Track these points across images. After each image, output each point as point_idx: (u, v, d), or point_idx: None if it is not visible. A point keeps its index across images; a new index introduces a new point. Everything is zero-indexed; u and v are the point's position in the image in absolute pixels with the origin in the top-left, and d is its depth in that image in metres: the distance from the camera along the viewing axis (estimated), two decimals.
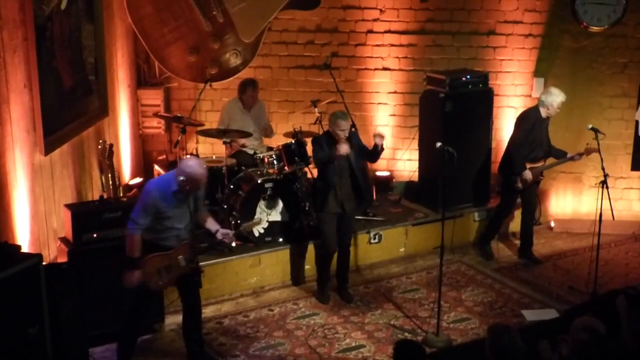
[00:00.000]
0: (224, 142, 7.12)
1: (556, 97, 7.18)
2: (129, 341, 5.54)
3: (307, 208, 7.12)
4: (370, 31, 8.44)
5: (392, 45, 8.46)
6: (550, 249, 7.99)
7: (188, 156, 7.27)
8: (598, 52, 8.20)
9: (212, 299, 6.65)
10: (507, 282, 7.16)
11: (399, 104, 8.60)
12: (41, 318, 4.70)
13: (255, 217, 6.89)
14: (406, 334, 6.18)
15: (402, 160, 8.67)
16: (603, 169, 6.72)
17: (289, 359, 5.82)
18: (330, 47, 8.41)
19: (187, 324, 5.65)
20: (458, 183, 7.48)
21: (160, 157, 8.59)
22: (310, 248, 7.08)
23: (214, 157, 7.70)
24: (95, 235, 5.70)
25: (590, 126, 7.01)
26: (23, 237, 5.52)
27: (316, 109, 7.68)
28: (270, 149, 7.43)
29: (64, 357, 5.03)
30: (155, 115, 8.06)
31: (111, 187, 6.36)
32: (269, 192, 6.93)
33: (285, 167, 6.99)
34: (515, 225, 7.99)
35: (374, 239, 7.47)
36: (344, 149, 6.23)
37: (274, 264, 6.99)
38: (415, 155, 8.31)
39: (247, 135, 7.35)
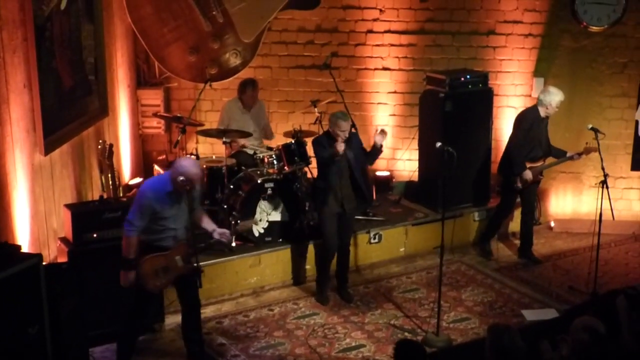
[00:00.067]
0: (224, 142, 7.12)
1: (554, 96, 7.18)
2: (129, 341, 5.54)
3: (307, 208, 7.12)
4: (370, 31, 8.44)
5: (392, 45, 8.46)
6: (550, 248, 8.00)
7: (189, 156, 7.29)
8: (598, 52, 8.20)
9: (212, 298, 6.65)
10: (507, 282, 7.16)
11: (398, 103, 8.60)
12: (41, 318, 4.70)
13: (256, 216, 6.90)
14: (406, 333, 6.18)
15: (402, 160, 8.67)
16: (603, 168, 6.72)
17: (289, 358, 5.82)
18: (330, 47, 8.41)
19: (186, 325, 5.65)
20: (458, 183, 7.48)
21: (160, 157, 8.59)
22: (311, 248, 7.08)
23: (213, 157, 7.70)
24: (95, 235, 5.70)
25: (590, 126, 7.01)
26: (23, 237, 5.52)
27: (316, 109, 7.68)
28: (270, 149, 7.44)
29: (64, 357, 5.03)
30: (155, 115, 8.06)
31: (111, 187, 6.36)
32: (269, 192, 6.93)
33: (285, 167, 6.99)
34: (515, 225, 7.99)
35: (374, 238, 7.47)
36: (340, 147, 6.23)
37: (274, 263, 6.99)
38: (415, 155, 8.31)
39: (247, 135, 7.35)
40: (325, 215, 6.50)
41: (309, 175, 7.51)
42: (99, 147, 6.66)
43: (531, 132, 7.24)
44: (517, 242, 7.83)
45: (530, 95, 8.35)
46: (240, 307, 6.65)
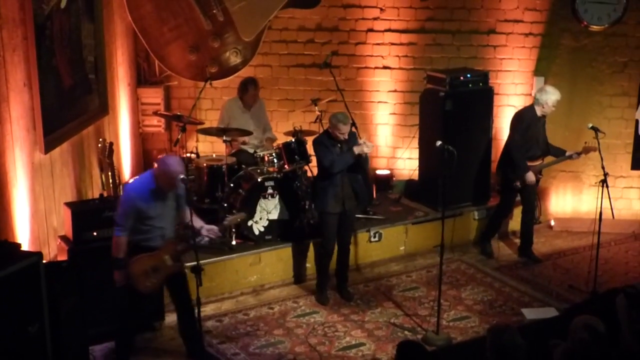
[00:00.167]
0: (224, 141, 7.12)
1: (551, 95, 7.18)
2: (126, 340, 5.55)
3: (307, 206, 7.12)
4: (371, 30, 8.44)
5: (393, 44, 8.46)
6: (550, 247, 8.00)
7: (190, 154, 7.30)
8: (598, 51, 8.19)
9: (213, 297, 6.66)
10: (507, 280, 7.16)
11: (399, 102, 8.60)
12: (41, 316, 4.70)
13: (256, 215, 6.90)
14: (406, 332, 6.18)
15: (402, 159, 8.68)
16: (603, 167, 6.71)
17: (289, 357, 5.82)
18: (331, 45, 8.41)
19: (182, 323, 5.66)
20: (458, 182, 7.48)
21: (160, 156, 8.58)
22: (311, 247, 7.08)
23: (214, 155, 7.70)
24: (95, 234, 5.71)
25: (590, 125, 7.01)
26: (23, 236, 5.52)
27: (316, 108, 7.67)
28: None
29: (64, 356, 5.03)
30: (155, 113, 8.06)
31: (111, 185, 6.38)
32: (269, 191, 6.93)
33: (286, 166, 7.00)
34: (515, 224, 7.99)
35: (374, 237, 7.48)
36: (358, 150, 6.28)
37: (274, 262, 7.00)
38: (416, 153, 8.32)
39: (247, 133, 7.35)
40: (326, 215, 6.50)
41: (309, 174, 7.51)
42: (99, 145, 6.67)
43: (529, 132, 7.23)
44: (517, 240, 7.83)
45: (530, 94, 8.34)
46: (240, 305, 6.65)
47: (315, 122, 7.68)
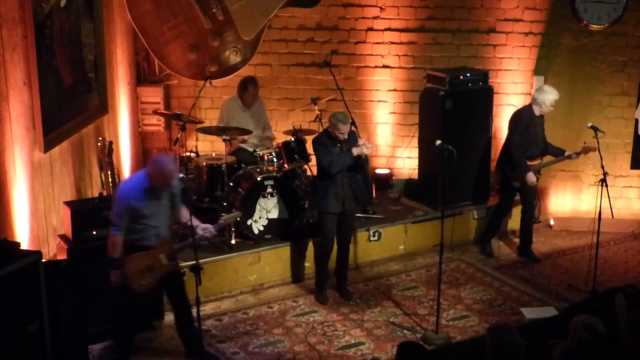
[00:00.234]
0: (224, 140, 7.12)
1: (549, 95, 7.18)
2: (125, 340, 5.54)
3: (306, 205, 7.12)
4: (370, 29, 8.44)
5: (392, 43, 8.46)
6: (550, 247, 8.00)
7: (190, 153, 7.30)
8: (598, 51, 8.19)
9: (212, 296, 6.66)
10: (506, 280, 7.17)
11: (398, 101, 8.60)
12: (41, 315, 4.70)
13: (255, 214, 6.90)
14: (405, 331, 6.18)
15: (401, 158, 8.68)
16: (602, 167, 6.72)
17: (288, 356, 5.82)
18: (330, 44, 8.40)
19: (180, 323, 5.67)
20: (457, 181, 7.48)
21: (154, 155, 8.58)
22: (310, 246, 7.08)
23: (213, 154, 7.70)
24: (94, 233, 5.70)
25: (590, 124, 7.01)
26: (22, 235, 5.52)
27: (316, 107, 7.67)
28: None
29: (64, 355, 5.03)
30: (155, 112, 8.06)
31: (111, 184, 6.37)
32: (268, 190, 6.93)
33: (285, 165, 7.00)
34: (514, 223, 7.99)
35: (374, 236, 7.48)
36: (355, 151, 6.27)
37: (273, 261, 7.00)
38: (415, 153, 8.32)
39: (247, 132, 7.35)
40: (325, 215, 6.50)
41: (308, 173, 7.51)
42: (99, 144, 6.66)
43: (527, 131, 7.23)
44: (517, 240, 7.83)
45: (530, 94, 8.33)
46: (240, 304, 6.65)
47: (314, 121, 7.68)
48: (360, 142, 6.40)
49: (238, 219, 6.46)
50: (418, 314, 6.47)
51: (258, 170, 7.03)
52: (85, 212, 5.74)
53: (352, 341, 6.05)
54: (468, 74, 7.86)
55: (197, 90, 7.96)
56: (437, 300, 6.13)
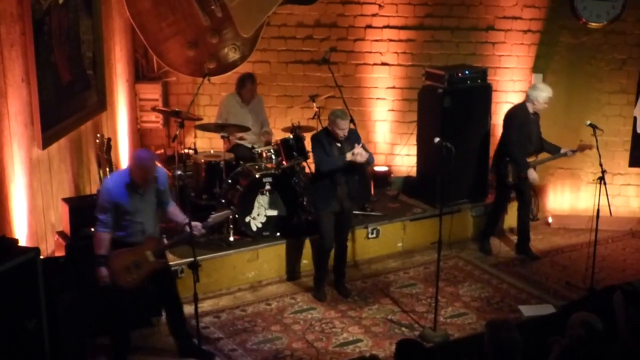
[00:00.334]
0: (222, 137, 7.12)
1: (541, 92, 7.18)
2: (121, 336, 5.51)
3: (305, 203, 7.12)
4: (369, 26, 8.44)
5: (391, 40, 8.46)
6: (548, 244, 8.01)
7: (188, 150, 7.27)
8: (597, 49, 8.19)
9: (210, 293, 6.66)
10: (504, 277, 7.17)
11: (397, 99, 8.60)
12: (39, 312, 4.70)
13: (254, 211, 6.90)
14: (403, 328, 6.19)
15: (400, 156, 8.68)
16: (601, 165, 6.72)
17: (287, 353, 5.83)
18: (329, 42, 8.40)
19: (171, 321, 5.66)
20: (456, 178, 7.46)
21: (159, 152, 8.59)
22: (308, 243, 7.08)
23: (212, 151, 7.70)
24: (92, 230, 5.69)
25: (588, 122, 7.01)
26: (21, 231, 5.52)
27: (314, 104, 7.67)
28: (268, 143, 7.44)
29: (62, 351, 5.04)
30: (154, 109, 8.05)
31: None
32: (267, 187, 6.93)
33: (284, 162, 7.00)
34: (512, 220, 7.99)
35: (372, 234, 7.48)
36: (349, 157, 6.25)
37: (271, 258, 7.00)
38: (414, 150, 8.32)
39: (245, 129, 7.35)
40: (323, 213, 6.50)
41: (307, 170, 7.51)
42: (97, 141, 6.65)
43: (522, 129, 7.23)
44: (515, 237, 7.84)
45: None
46: (238, 301, 6.65)
47: (313, 118, 7.68)
48: (356, 150, 6.31)
49: (227, 217, 6.40)
50: (416, 312, 6.47)
51: (256, 167, 7.03)
52: (84, 209, 5.73)
53: (350, 338, 6.06)
54: (467, 72, 7.86)
55: (195, 87, 7.96)
56: (435, 298, 6.12)
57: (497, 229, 7.91)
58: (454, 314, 6.47)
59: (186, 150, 7.46)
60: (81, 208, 5.75)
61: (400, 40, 8.45)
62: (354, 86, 8.53)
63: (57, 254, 5.90)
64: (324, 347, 5.92)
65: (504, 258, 7.63)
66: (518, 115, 7.27)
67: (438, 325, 6.09)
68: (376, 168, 8.53)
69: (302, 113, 8.28)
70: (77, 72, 6.68)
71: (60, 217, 6.10)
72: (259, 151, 7.16)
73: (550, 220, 8.52)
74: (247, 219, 6.90)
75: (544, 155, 7.48)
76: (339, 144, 6.38)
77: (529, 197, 7.72)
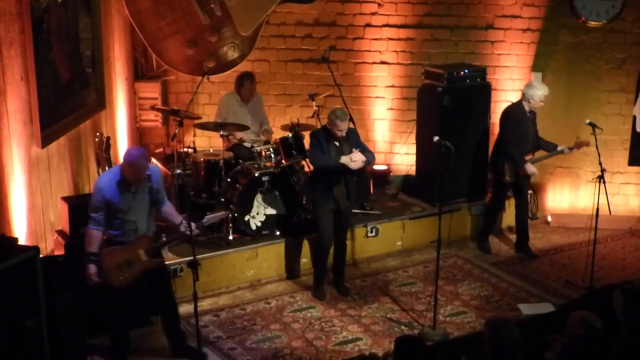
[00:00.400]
0: (222, 135, 7.11)
1: (537, 90, 7.18)
2: (120, 335, 5.50)
3: (304, 201, 7.12)
4: (369, 25, 8.44)
5: (390, 39, 8.46)
6: (547, 243, 8.01)
7: (187, 149, 7.26)
8: (596, 47, 8.20)
9: (209, 291, 6.66)
10: (503, 276, 7.17)
11: (396, 97, 8.60)
12: (38, 311, 4.70)
13: (253, 209, 6.90)
14: (403, 327, 6.19)
15: (399, 154, 8.68)
16: (600, 163, 6.72)
17: (286, 351, 5.83)
18: (328, 40, 8.40)
19: (165, 321, 5.64)
20: (455, 177, 7.49)
21: (158, 150, 8.59)
22: (307, 242, 7.08)
23: (211, 150, 7.69)
24: None
25: (587, 121, 7.01)
26: (20, 230, 5.52)
27: (314, 103, 7.67)
28: (267, 142, 7.44)
29: (61, 350, 5.04)
30: (153, 108, 8.05)
31: None
32: (266, 186, 6.93)
33: (283, 161, 6.99)
34: (511, 219, 7.98)
35: (371, 232, 7.48)
36: (345, 160, 6.23)
37: (271, 257, 7.00)
38: (413, 149, 8.32)
39: (244, 128, 7.34)
40: (321, 211, 6.50)
41: (306, 169, 7.50)
42: (96, 140, 6.66)
43: (519, 128, 7.23)
44: (514, 236, 7.84)
45: None
46: (237, 300, 6.65)
47: (312, 117, 7.68)
48: (354, 156, 6.27)
49: (222, 218, 6.39)
50: (415, 310, 6.47)
51: (256, 166, 7.03)
52: (83, 208, 5.68)
53: (350, 337, 6.06)
54: (466, 70, 7.86)
55: (194, 85, 7.96)
56: (434, 296, 6.13)
57: (495, 227, 7.91)
58: (453, 312, 6.47)
59: (185, 149, 7.46)
60: (80, 207, 5.73)
61: (399, 39, 8.44)
62: (353, 85, 8.53)
63: (56, 253, 5.91)
64: (324, 345, 5.92)
65: (503, 257, 7.63)
66: (514, 114, 7.27)
67: (437, 323, 6.09)
68: (375, 167, 8.52)
69: (301, 112, 8.27)
70: (76, 70, 6.68)
71: (59, 216, 6.10)
72: (258, 150, 7.16)
73: (549, 218, 8.53)
74: (247, 217, 6.90)
75: (540, 153, 7.48)
76: (337, 143, 6.37)
77: (526, 195, 7.72)
